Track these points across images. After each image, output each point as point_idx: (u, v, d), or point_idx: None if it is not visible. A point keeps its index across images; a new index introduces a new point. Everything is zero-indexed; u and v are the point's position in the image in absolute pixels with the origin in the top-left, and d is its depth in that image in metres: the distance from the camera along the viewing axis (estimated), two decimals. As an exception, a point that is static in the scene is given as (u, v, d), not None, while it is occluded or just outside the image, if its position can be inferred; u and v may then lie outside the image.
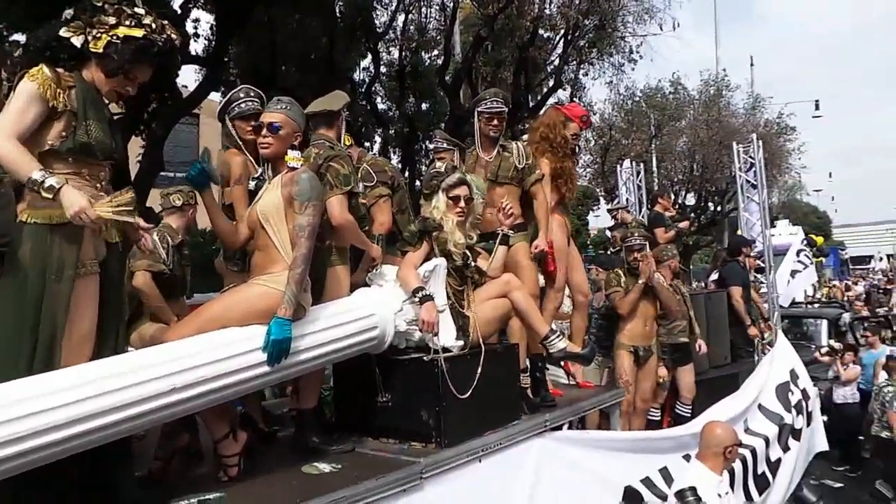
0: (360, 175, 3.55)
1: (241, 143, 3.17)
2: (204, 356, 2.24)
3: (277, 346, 2.36)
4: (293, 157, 2.73)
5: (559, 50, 14.59)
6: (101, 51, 2.18)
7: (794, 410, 5.36)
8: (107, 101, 2.31)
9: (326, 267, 2.96)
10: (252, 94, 3.21)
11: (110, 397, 2.01)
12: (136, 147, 9.29)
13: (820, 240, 20.19)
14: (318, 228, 2.60)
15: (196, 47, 11.53)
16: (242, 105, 3.17)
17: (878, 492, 3.02)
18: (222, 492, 2.38)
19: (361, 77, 15.22)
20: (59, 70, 2.15)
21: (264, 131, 2.73)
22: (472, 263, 3.32)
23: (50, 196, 2.01)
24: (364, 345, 2.85)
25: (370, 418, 3.03)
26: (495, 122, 3.86)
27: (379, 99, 16.05)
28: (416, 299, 2.94)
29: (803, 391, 5.74)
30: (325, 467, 2.62)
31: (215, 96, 10.77)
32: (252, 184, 2.95)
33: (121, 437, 2.12)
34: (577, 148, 4.30)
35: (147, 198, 7.87)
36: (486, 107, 3.88)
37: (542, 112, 4.44)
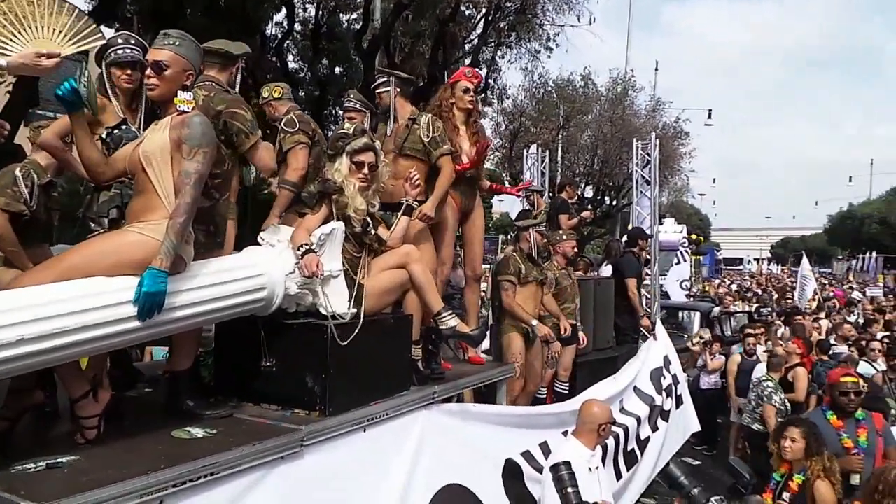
0: (283, 122, 3.63)
1: (113, 91, 3.02)
2: (62, 306, 2.02)
3: (149, 300, 2.17)
4: (183, 98, 2.50)
5: (479, 30, 14.61)
6: None
7: (664, 393, 5.74)
8: None
9: (227, 220, 2.87)
10: (132, 42, 3.03)
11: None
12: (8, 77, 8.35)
13: (701, 239, 21.80)
14: (206, 177, 2.41)
15: (90, -27, 10.50)
16: (119, 52, 2.98)
17: (733, 468, 3.28)
18: (76, 455, 2.18)
19: (274, 32, 14.51)
20: None
21: (149, 71, 2.50)
22: (372, 231, 3.23)
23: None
24: (249, 306, 2.69)
25: (252, 383, 2.89)
26: (376, 98, 4.01)
27: (290, 57, 15.40)
28: (299, 252, 2.84)
29: (674, 376, 6.16)
30: (197, 432, 2.47)
31: (108, 32, 9.87)
32: (103, 133, 2.79)
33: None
34: (472, 106, 4.15)
35: (16, 134, 7.08)
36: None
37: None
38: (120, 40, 3.03)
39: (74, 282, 2.14)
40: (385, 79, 3.98)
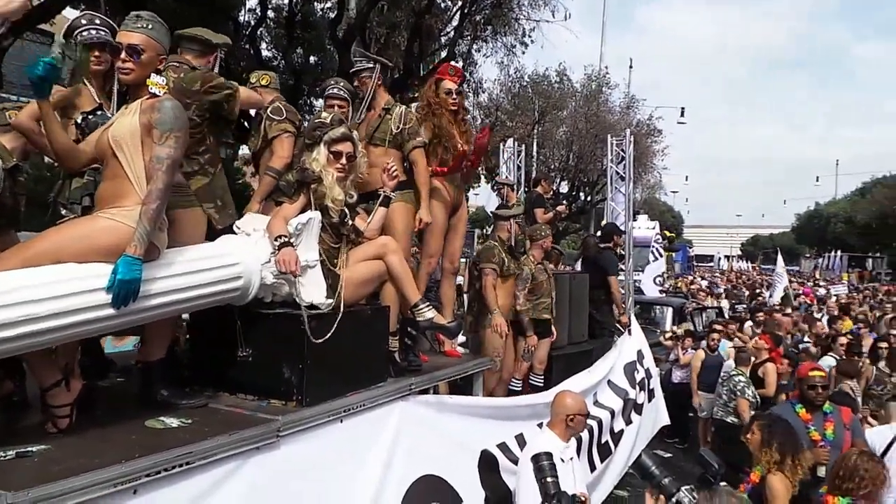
0: (270, 110, 3.56)
1: (85, 74, 2.97)
2: (31, 292, 1.96)
3: (124, 287, 2.12)
4: (156, 82, 2.45)
5: (455, 22, 14.58)
6: None
7: (637, 387, 5.82)
8: None
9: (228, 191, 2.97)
10: (98, 22, 2.97)
11: None
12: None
13: (674, 236, 22.17)
14: (179, 162, 2.38)
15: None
16: (86, 33, 2.93)
17: (703, 458, 3.33)
18: (47, 444, 2.12)
19: (247, 19, 14.28)
20: None
21: (123, 55, 2.44)
22: (350, 222, 3.21)
23: None
24: (225, 295, 2.65)
25: (227, 373, 2.86)
26: (356, 82, 3.99)
27: (264, 45, 15.17)
28: (276, 244, 2.80)
29: (647, 370, 6.25)
30: (172, 422, 2.43)
31: (72, 13, 9.58)
32: (78, 118, 2.74)
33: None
34: (458, 107, 4.15)
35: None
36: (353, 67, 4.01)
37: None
38: (84, 21, 2.97)
39: (44, 268, 2.08)
40: (367, 63, 3.92)
